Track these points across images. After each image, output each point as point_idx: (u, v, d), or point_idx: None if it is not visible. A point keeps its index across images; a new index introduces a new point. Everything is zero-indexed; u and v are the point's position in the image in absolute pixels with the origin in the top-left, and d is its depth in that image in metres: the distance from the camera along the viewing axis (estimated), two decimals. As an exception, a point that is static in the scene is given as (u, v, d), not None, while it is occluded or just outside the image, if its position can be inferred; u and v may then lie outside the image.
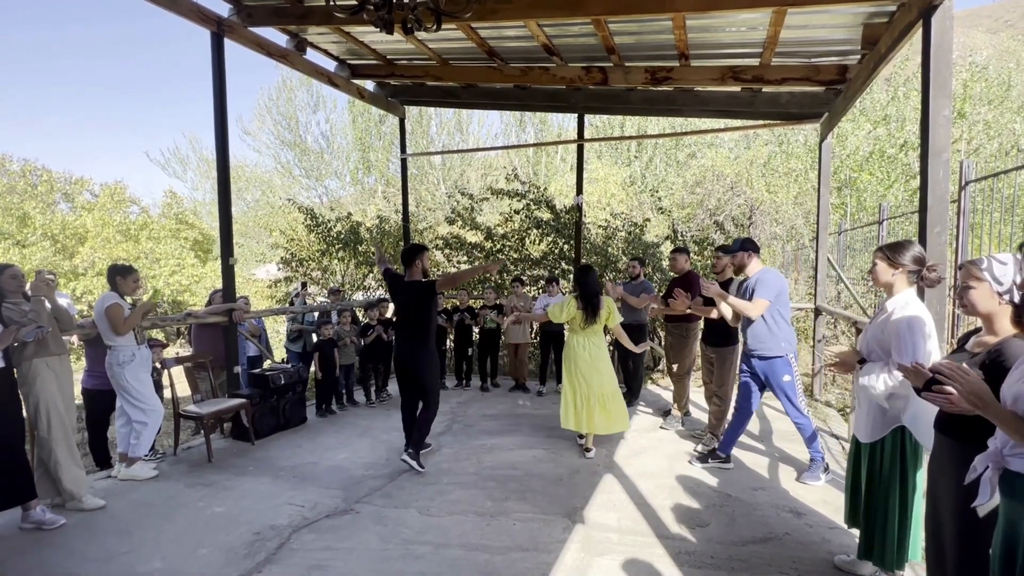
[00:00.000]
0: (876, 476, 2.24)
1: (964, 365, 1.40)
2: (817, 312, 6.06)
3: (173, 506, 3.31)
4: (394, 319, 3.94)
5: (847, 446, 4.29)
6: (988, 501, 1.37)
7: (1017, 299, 1.54)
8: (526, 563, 2.63)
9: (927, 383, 1.71)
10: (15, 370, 3.10)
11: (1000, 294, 1.61)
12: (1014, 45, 18.65)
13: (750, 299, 3.52)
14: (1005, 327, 1.61)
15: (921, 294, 2.38)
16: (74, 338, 4.68)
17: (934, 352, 2.09)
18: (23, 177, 17.03)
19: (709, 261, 7.15)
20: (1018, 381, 1.32)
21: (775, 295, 3.48)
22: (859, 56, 4.54)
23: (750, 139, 14.86)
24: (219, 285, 5.05)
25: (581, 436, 4.34)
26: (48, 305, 3.33)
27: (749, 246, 3.65)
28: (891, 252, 2.23)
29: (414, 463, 3.79)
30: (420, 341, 3.86)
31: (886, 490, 2.20)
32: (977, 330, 1.78)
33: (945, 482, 1.68)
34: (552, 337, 6.23)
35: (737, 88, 5.62)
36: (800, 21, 4.13)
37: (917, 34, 3.20)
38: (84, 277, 13.75)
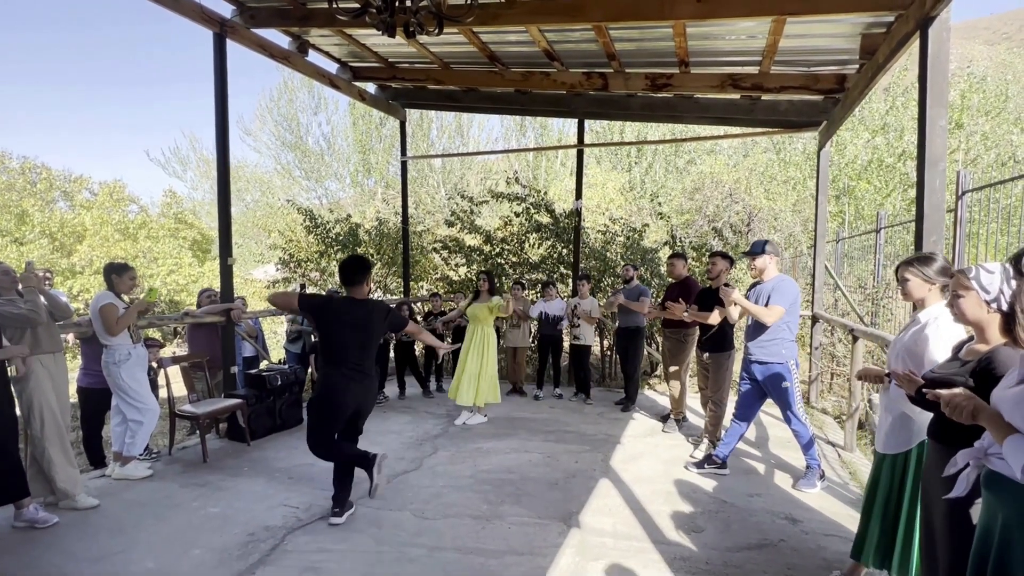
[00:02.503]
0: (895, 487, 2.22)
1: (959, 392, 1.41)
2: (814, 319, 6.07)
3: (167, 506, 3.30)
4: (325, 350, 3.06)
5: (843, 453, 4.30)
6: (961, 495, 1.41)
7: (1005, 308, 1.55)
8: (521, 567, 2.62)
9: (919, 390, 1.73)
10: (8, 368, 3.09)
11: (988, 303, 1.63)
12: (1011, 57, 18.81)
13: (766, 305, 3.52)
14: (995, 335, 1.63)
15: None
16: (70, 336, 4.68)
17: None
18: (22, 175, 17.03)
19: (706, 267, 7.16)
20: (1006, 388, 1.35)
21: (790, 303, 3.48)
22: (857, 66, 4.57)
23: (749, 146, 14.94)
24: (214, 285, 5.03)
25: (471, 409, 5.20)
26: (42, 299, 3.31)
27: (772, 250, 3.61)
28: (924, 268, 2.18)
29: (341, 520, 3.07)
30: (372, 376, 3.13)
31: (900, 499, 2.19)
32: (971, 338, 1.80)
33: (937, 487, 1.69)
34: (551, 341, 6.23)
35: (736, 95, 5.66)
36: (799, 30, 4.17)
37: (915, 45, 3.23)
38: (81, 275, 13.71)
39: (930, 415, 2.01)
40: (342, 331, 3.01)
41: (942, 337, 2.07)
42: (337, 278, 8.70)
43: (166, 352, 7.39)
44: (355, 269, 3.06)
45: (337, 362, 3.01)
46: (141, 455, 3.92)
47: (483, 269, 6.00)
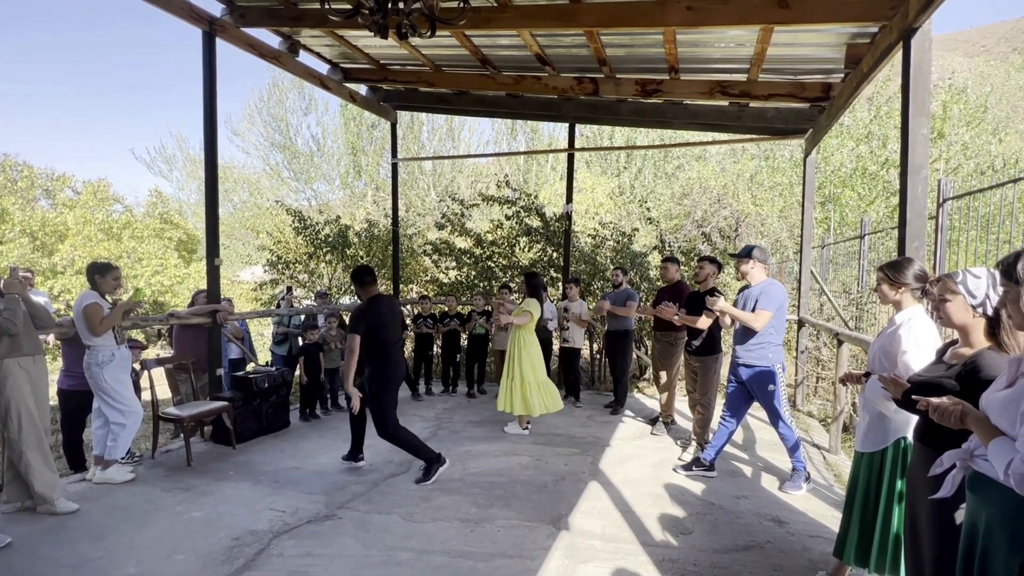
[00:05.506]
0: (872, 485, 2.26)
1: (946, 401, 1.44)
2: (800, 324, 6.15)
3: (150, 511, 3.24)
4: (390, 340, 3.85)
5: (828, 456, 4.35)
6: (947, 496, 1.44)
7: (990, 312, 1.59)
8: (510, 570, 2.61)
9: (905, 393, 1.76)
10: None
11: (974, 307, 1.67)
12: (989, 69, 19.31)
13: (753, 309, 3.55)
14: (980, 339, 1.67)
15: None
16: (50, 338, 4.57)
17: None
18: (2, 172, 16.67)
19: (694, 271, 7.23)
20: (993, 391, 1.38)
21: (776, 308, 3.52)
22: (843, 75, 4.66)
23: (737, 153, 15.13)
24: (203, 286, 4.98)
25: (528, 422, 4.96)
26: (22, 303, 3.24)
27: (759, 255, 3.62)
28: (893, 272, 2.26)
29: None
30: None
31: (878, 497, 2.23)
32: (954, 342, 1.83)
33: (923, 490, 1.71)
34: (540, 344, 6.21)
35: (725, 102, 5.73)
36: (786, 39, 4.24)
37: (898, 55, 3.30)
38: (63, 276, 13.44)
39: (905, 413, 2.06)
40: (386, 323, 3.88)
41: (914, 338, 2.13)
42: (326, 280, 8.66)
43: (149, 354, 7.26)
44: (360, 273, 3.87)
45: (393, 345, 3.89)
46: (123, 459, 3.84)
47: (533, 270, 5.45)
